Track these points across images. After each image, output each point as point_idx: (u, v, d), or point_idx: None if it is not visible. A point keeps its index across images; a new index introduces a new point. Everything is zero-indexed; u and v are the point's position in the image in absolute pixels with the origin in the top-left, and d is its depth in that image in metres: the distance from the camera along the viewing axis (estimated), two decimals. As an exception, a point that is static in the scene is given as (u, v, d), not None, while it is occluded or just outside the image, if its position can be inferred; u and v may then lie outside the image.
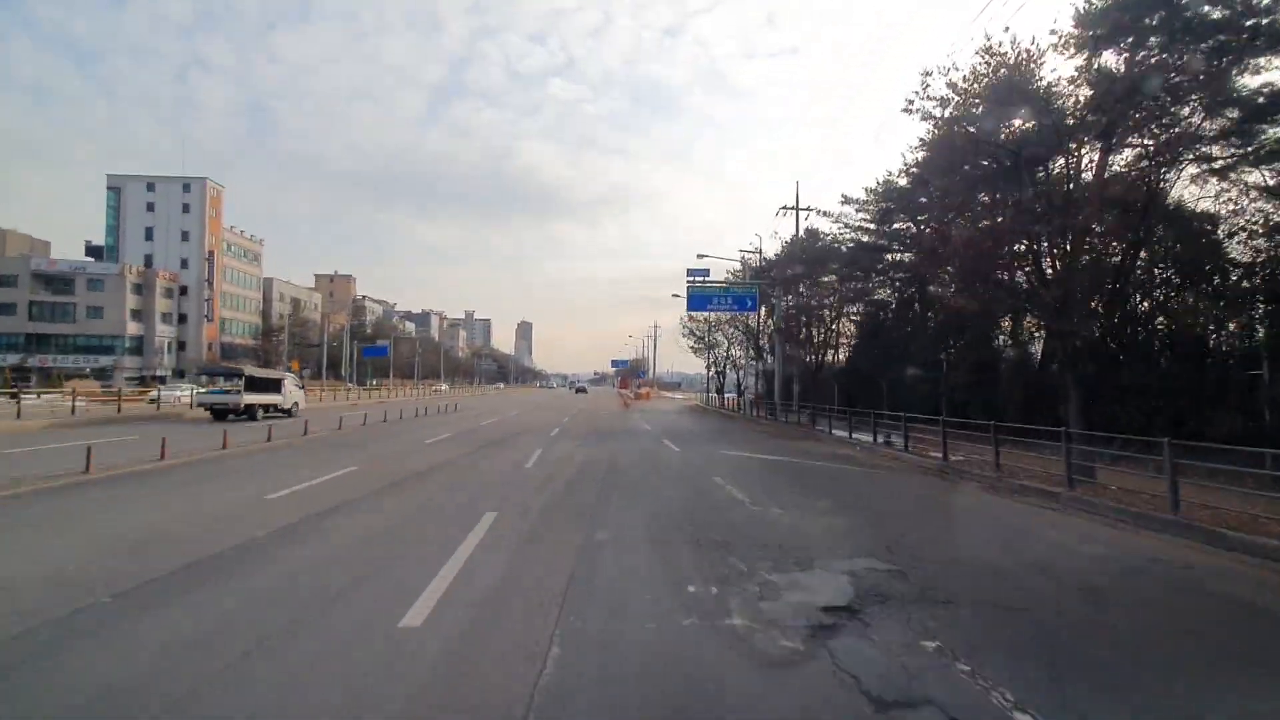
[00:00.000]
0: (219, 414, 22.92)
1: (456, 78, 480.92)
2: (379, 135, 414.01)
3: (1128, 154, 14.04)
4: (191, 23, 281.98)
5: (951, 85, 12.87)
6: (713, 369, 50.93)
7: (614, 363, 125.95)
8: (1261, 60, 11.67)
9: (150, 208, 73.76)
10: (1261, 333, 13.73)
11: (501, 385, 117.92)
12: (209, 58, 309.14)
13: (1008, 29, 31.04)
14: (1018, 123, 13.41)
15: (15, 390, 28.63)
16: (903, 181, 23.43)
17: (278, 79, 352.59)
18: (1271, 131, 12.64)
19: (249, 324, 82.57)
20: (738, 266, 40.90)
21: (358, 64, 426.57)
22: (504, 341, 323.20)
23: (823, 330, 30.94)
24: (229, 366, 30.65)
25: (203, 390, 27.05)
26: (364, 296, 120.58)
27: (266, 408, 24.89)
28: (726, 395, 48.40)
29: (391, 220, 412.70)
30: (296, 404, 27.92)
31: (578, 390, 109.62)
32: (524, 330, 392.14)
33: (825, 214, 28.33)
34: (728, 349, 48.41)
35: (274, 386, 26.34)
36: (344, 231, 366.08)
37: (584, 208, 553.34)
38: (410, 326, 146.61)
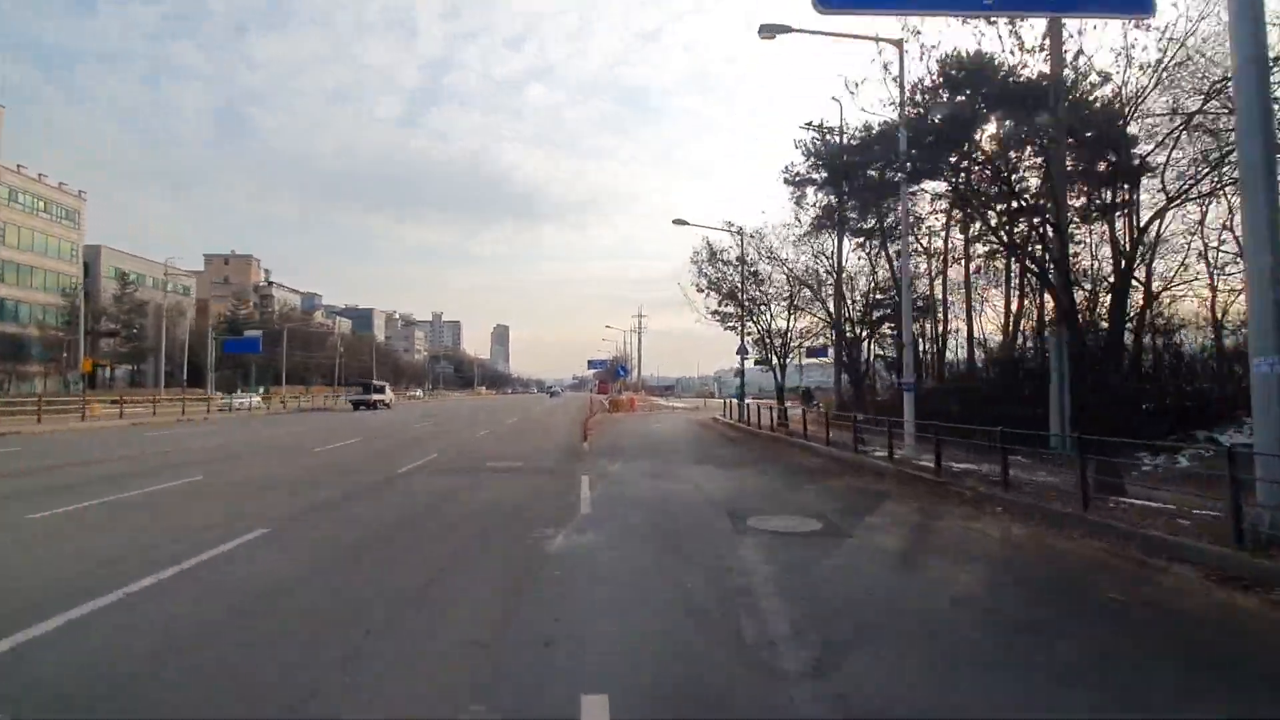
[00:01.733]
0: (356, 406, 42.15)
1: (435, 82, 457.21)
2: (358, 139, 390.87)
3: None
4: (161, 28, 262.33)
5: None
6: (755, 352, 26.62)
7: (591, 363, 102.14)
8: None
9: None
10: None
11: (420, 393, 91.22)
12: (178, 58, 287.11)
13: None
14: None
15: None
16: None
17: (255, 82, 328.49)
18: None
19: (52, 308, 56.88)
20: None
21: (337, 67, 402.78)
22: (480, 345, 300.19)
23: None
24: (366, 381, 53.52)
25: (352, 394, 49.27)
26: (270, 283, 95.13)
27: (381, 403, 43.35)
28: (774, 396, 24.53)
29: (372, 224, 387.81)
30: (392, 400, 49.19)
31: (551, 394, 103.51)
32: (500, 334, 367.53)
33: None
34: (792, 307, 24.31)
35: (383, 390, 47.16)
36: (324, 236, 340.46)
37: (568, 211, 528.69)
38: (346, 324, 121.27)
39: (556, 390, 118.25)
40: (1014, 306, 18.91)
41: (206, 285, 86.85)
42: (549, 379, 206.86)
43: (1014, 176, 9.90)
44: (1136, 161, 10.33)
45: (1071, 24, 8.62)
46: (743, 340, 26.58)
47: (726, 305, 25.36)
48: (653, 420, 30.24)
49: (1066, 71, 8.84)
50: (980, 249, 19.31)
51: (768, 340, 24.55)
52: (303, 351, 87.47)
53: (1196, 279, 15.06)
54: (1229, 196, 11.19)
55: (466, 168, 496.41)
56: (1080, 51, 8.73)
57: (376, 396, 43.77)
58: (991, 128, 9.89)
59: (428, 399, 77.11)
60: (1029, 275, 14.88)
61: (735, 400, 38.43)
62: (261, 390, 69.46)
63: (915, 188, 13.36)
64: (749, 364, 27.83)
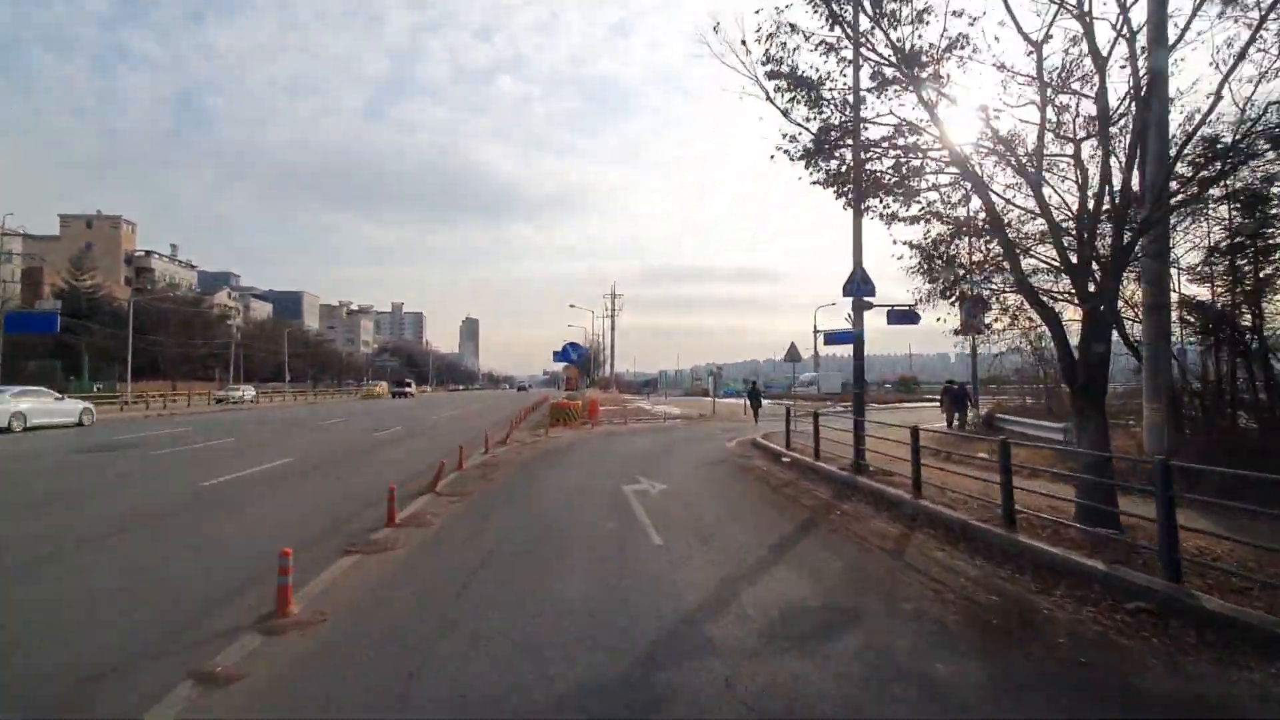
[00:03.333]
0: (395, 396, 58.92)
1: (400, 73, 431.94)
2: (320, 131, 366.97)
3: None
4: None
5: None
6: (930, 283, 9.54)
7: (557, 355, 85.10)
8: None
9: None
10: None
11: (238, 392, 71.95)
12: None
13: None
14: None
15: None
16: None
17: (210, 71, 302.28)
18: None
19: None
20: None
21: (295, 56, 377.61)
22: (448, 340, 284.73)
23: None
24: (401, 379, 74.13)
25: (393, 388, 65.31)
26: (149, 252, 76.13)
27: (410, 393, 62.14)
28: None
29: (337, 220, 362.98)
30: (417, 392, 68.86)
31: (519, 390, 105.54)
32: (469, 328, 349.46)
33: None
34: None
35: (411, 385, 67.21)
36: (287, 232, 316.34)
37: (537, 208, 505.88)
38: (265, 309, 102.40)
39: (526, 385, 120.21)
40: None
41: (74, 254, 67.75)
42: (523, 375, 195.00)
43: None
44: None
45: None
46: (857, 251, 10.13)
47: (841, 145, 8.66)
48: (633, 458, 13.49)
49: None
50: None
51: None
52: (188, 338, 68.83)
53: None
54: None
55: (435, 162, 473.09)
56: None
57: (409, 390, 64.13)
58: None
59: (316, 397, 59.26)
60: None
61: (749, 402, 22.46)
62: (97, 388, 51.47)
63: None
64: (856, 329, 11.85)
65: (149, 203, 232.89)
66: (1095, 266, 6.17)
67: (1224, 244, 10.47)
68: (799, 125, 7.83)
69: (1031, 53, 6.48)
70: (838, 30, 7.93)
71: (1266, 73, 6.39)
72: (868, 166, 8.39)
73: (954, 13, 6.91)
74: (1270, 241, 10.30)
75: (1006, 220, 7.34)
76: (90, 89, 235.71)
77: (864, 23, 7.80)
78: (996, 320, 8.97)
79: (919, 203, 8.05)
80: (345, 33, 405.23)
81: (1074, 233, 6.29)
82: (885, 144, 8.07)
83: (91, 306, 59.53)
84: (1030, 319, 8.98)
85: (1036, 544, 5.63)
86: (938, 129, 7.08)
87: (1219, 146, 7.32)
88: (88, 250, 70.82)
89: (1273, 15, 5.64)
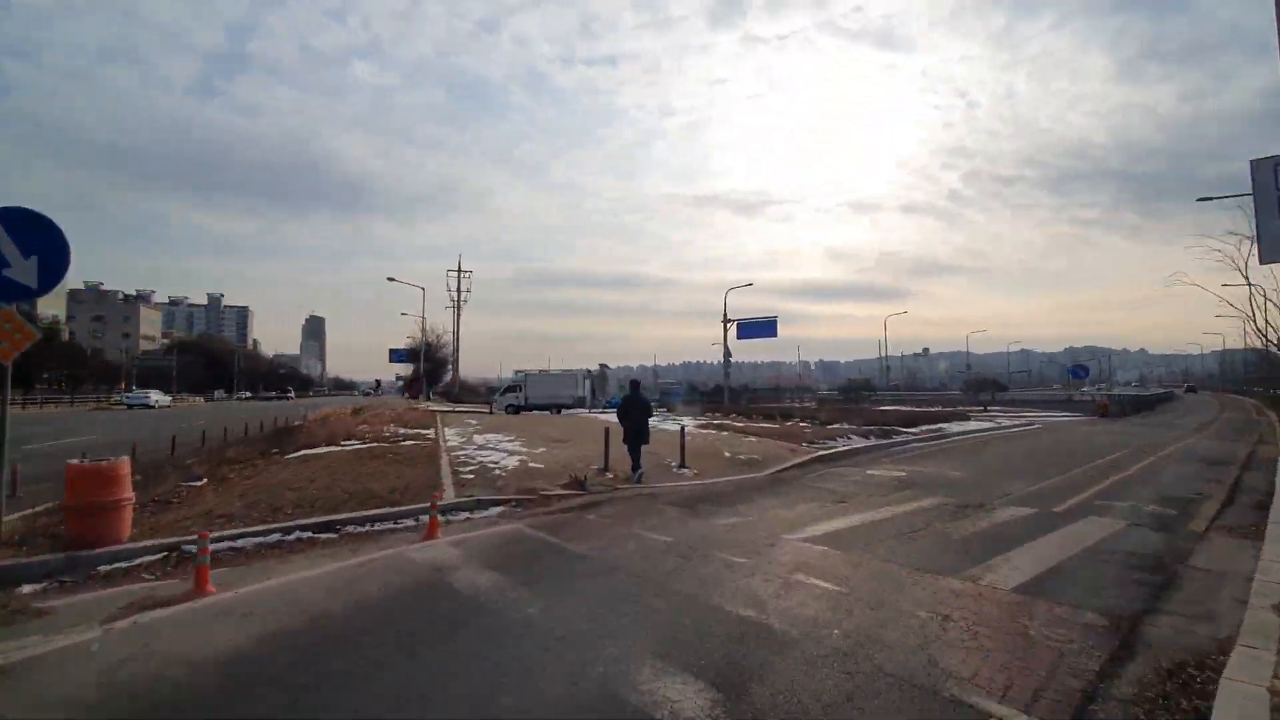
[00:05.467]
0: (278, 399, 76.91)
1: (237, 47, 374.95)
2: (142, 105, 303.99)
3: None
4: None
5: None
6: None
7: (394, 354, 66.78)
8: None
9: None
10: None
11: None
12: None
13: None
14: None
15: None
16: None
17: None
18: None
19: None
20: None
21: (106, 17, 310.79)
22: (288, 340, 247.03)
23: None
24: (284, 385, 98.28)
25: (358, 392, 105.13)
26: None
27: (368, 394, 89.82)
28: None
29: (162, 207, 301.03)
30: (374, 394, 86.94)
31: (365, 394, 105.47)
32: (313, 327, 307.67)
33: None
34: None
35: (291, 391, 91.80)
36: (102, 217, 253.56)
37: (400, 203, 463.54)
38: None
39: (370, 390, 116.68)
40: None
41: None
42: (383, 379, 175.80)
43: None
44: None
45: None
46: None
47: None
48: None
49: None
50: None
51: None
52: None
53: None
54: None
55: (284, 149, 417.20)
56: None
57: (287, 394, 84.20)
58: None
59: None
60: None
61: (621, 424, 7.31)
62: None
63: None
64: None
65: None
66: None
67: None
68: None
69: None
70: None
71: None
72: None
73: None
74: None
75: None
76: None
77: None
78: None
79: None
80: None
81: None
82: None
83: None
84: None
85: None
86: None
87: None
88: None
89: None
